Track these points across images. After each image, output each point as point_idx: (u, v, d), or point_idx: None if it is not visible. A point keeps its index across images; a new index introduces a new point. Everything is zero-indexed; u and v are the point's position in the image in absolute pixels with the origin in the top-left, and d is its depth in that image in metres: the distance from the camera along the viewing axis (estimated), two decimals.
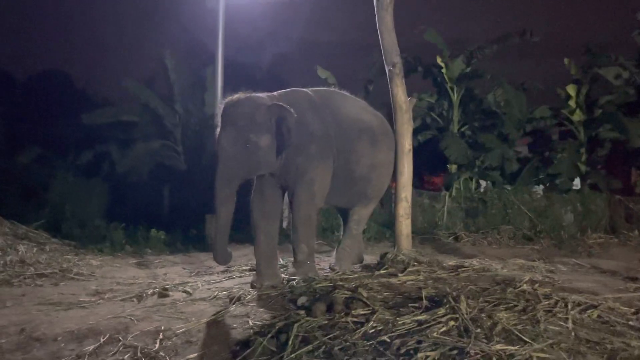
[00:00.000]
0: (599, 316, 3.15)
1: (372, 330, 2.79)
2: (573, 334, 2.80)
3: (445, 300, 3.07)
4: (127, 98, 12.43)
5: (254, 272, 4.57)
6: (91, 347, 2.89)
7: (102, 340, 3.00)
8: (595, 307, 3.26)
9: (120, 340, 2.99)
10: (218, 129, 4.28)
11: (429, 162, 11.57)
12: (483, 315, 2.91)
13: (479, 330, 2.70)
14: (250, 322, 3.25)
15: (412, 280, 4.08)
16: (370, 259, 5.54)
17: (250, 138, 4.09)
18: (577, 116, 10.45)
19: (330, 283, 3.88)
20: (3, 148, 11.63)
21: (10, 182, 9.92)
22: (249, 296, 3.89)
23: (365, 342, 2.65)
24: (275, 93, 4.52)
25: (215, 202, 4.12)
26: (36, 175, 10.31)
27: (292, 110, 4.14)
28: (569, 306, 3.21)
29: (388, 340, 2.64)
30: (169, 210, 11.29)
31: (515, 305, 3.19)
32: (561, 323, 2.95)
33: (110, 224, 8.29)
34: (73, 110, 12.26)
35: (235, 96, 4.24)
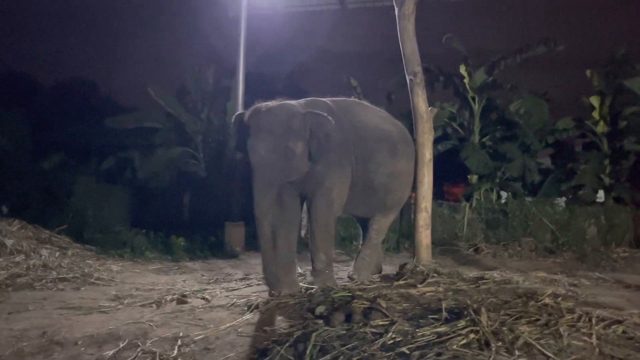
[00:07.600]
0: (623, 332, 3.06)
1: (391, 341, 2.76)
2: (597, 349, 2.73)
3: (465, 313, 3.02)
4: (150, 106, 12.59)
5: None
6: (110, 352, 2.91)
7: (121, 345, 3.02)
8: (620, 322, 3.18)
9: (139, 345, 3.01)
10: (241, 137, 4.32)
11: (449, 172, 11.47)
12: (504, 328, 2.86)
13: (500, 343, 2.66)
14: (268, 331, 3.24)
15: (431, 291, 4.04)
16: (389, 269, 5.50)
17: (289, 145, 4.16)
18: (601, 128, 10.31)
19: (349, 293, 3.85)
20: (28, 153, 11.83)
21: (34, 187, 10.07)
22: (267, 304, 3.89)
23: (384, 353, 2.62)
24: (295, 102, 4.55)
25: (256, 213, 4.14)
26: (59, 181, 10.45)
27: (329, 117, 4.19)
28: (593, 321, 3.13)
29: (407, 351, 2.61)
30: (189, 217, 11.36)
31: (538, 319, 3.12)
32: (585, 338, 2.87)
33: (131, 229, 8.38)
34: (97, 116, 12.46)
35: (266, 104, 4.28)
